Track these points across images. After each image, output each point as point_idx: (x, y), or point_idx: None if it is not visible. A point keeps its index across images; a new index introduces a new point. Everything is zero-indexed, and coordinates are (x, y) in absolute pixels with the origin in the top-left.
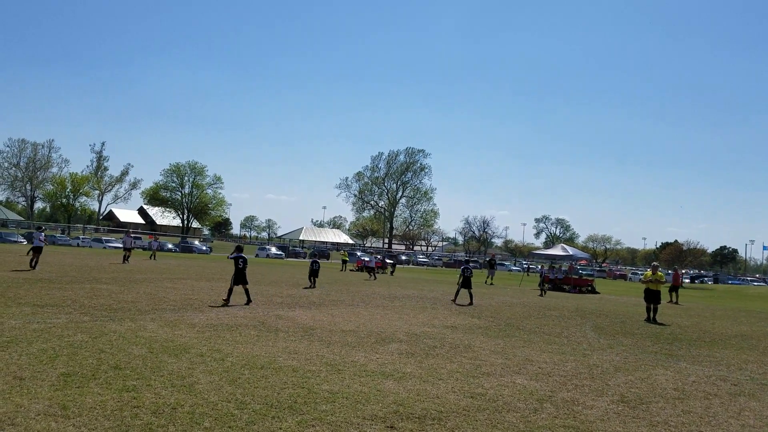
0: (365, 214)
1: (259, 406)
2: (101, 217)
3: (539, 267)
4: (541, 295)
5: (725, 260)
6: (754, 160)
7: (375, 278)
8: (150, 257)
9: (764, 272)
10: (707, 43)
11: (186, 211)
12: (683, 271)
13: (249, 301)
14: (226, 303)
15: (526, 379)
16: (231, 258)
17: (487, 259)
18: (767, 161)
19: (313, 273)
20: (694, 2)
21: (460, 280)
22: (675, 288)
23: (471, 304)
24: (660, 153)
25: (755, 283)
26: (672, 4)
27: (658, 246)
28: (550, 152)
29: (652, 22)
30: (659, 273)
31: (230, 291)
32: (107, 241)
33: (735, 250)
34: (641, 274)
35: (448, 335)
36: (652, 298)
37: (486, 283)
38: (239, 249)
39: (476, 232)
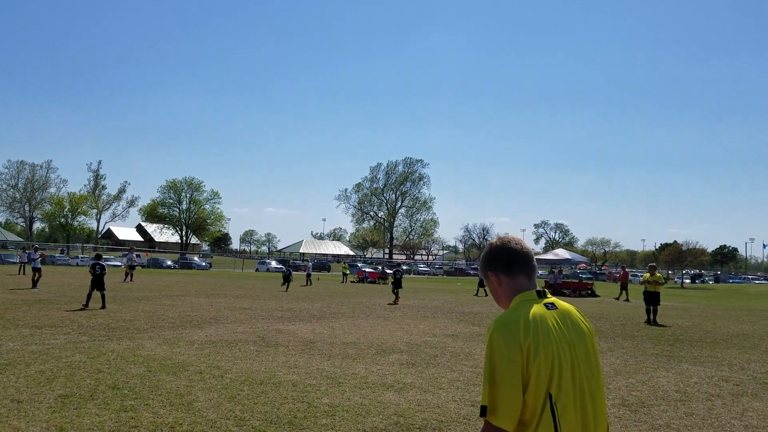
0: (365, 225)
1: (259, 422)
2: (100, 236)
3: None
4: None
5: (725, 259)
6: (752, 158)
7: (396, 298)
8: (126, 277)
9: (765, 270)
10: (704, 45)
11: (184, 227)
12: (684, 272)
13: (103, 306)
14: (85, 306)
15: None
16: (90, 265)
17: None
18: (765, 160)
19: (286, 279)
20: (687, 5)
21: (393, 282)
22: (624, 286)
23: (395, 303)
24: (657, 155)
25: (756, 282)
26: (663, 8)
27: (657, 247)
28: (549, 157)
29: (646, 27)
30: (657, 274)
31: (89, 296)
32: (106, 259)
33: (735, 249)
34: (640, 276)
35: (449, 344)
36: (650, 299)
37: (476, 295)
38: (97, 257)
39: (476, 240)
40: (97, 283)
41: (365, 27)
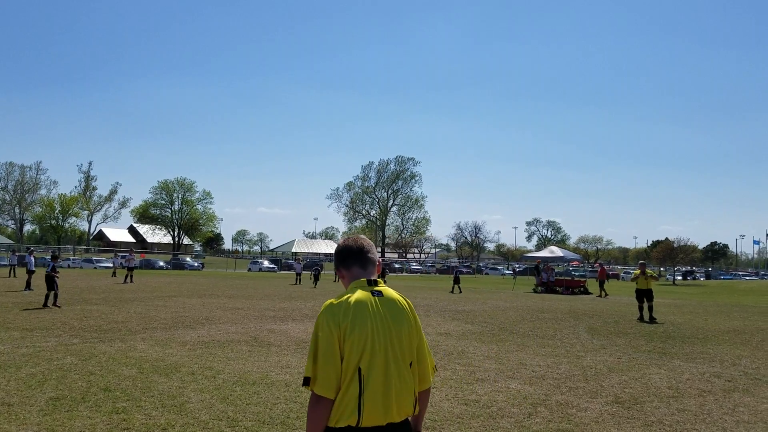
0: (357, 223)
1: (251, 423)
2: (91, 237)
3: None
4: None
5: (716, 256)
6: (742, 156)
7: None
8: (126, 279)
9: (755, 266)
10: (695, 42)
11: (176, 227)
12: (675, 268)
13: (54, 305)
14: (44, 306)
15: (520, 384)
16: (50, 266)
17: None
18: (755, 157)
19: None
20: (676, 3)
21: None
22: (602, 282)
23: None
24: (648, 152)
25: (747, 278)
26: (653, 6)
27: (649, 244)
28: (541, 155)
29: (640, 24)
30: (648, 271)
31: (47, 296)
32: (98, 261)
33: (726, 246)
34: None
35: (442, 342)
36: (642, 296)
37: (452, 292)
38: (54, 258)
39: (468, 238)
40: (51, 283)
41: (357, 25)
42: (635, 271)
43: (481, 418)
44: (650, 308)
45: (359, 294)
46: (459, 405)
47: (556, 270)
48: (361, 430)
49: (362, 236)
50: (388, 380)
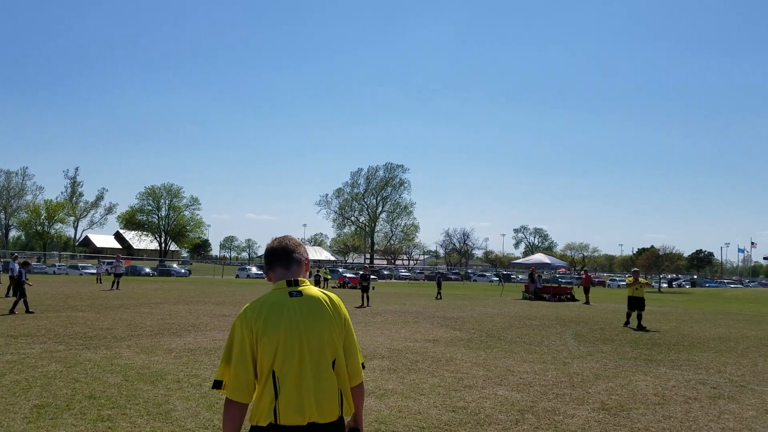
0: (346, 230)
1: None
2: (77, 244)
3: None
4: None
5: (702, 264)
6: (728, 164)
7: (363, 302)
8: (112, 285)
9: (740, 274)
10: (683, 49)
11: (163, 234)
12: (660, 276)
13: (27, 312)
14: (11, 312)
15: (508, 390)
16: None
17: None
18: (741, 166)
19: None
20: (665, 7)
21: (360, 287)
22: (586, 289)
23: (367, 305)
24: (635, 160)
25: (732, 286)
26: (641, 11)
27: (634, 252)
28: (529, 162)
29: (623, 31)
30: (641, 279)
31: (15, 303)
32: (83, 267)
33: (711, 254)
34: (620, 281)
35: (430, 349)
36: (633, 304)
37: (436, 298)
38: (24, 265)
39: (457, 245)
40: (19, 290)
41: (346, 31)
42: (628, 278)
43: (468, 425)
44: (639, 316)
45: (276, 295)
46: (447, 412)
47: (543, 277)
48: (281, 428)
49: (289, 236)
50: (304, 381)
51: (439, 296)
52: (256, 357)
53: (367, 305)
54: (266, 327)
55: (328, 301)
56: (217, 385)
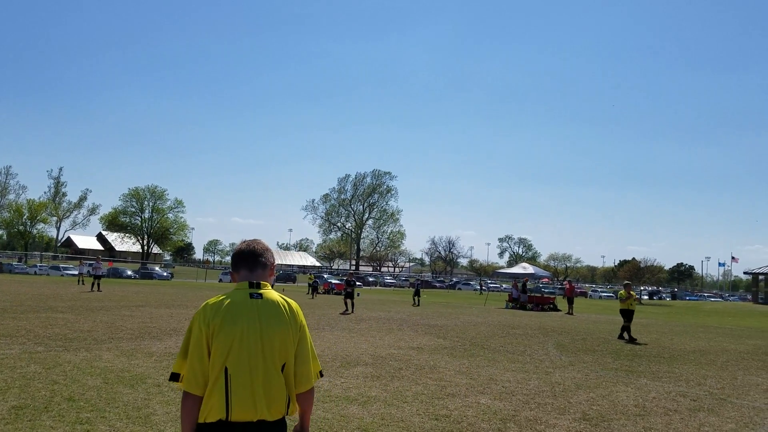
0: (332, 236)
1: None
2: (59, 244)
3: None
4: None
5: (682, 277)
6: (709, 180)
7: (346, 308)
8: (92, 287)
9: (720, 288)
10: (664, 61)
11: (146, 236)
12: (641, 288)
13: None
14: None
15: (490, 399)
16: None
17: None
18: (722, 181)
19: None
20: (650, 22)
21: (345, 293)
22: (570, 299)
23: (352, 312)
24: (619, 173)
25: (712, 299)
26: (628, 26)
27: (616, 264)
28: (514, 173)
29: (610, 43)
30: (632, 292)
31: None
32: (65, 268)
33: (692, 267)
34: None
35: (414, 357)
36: (629, 317)
37: (414, 305)
38: None
39: (442, 253)
40: None
41: (335, 31)
42: (621, 292)
43: None
44: (628, 329)
45: (236, 295)
46: (430, 420)
47: (528, 287)
48: (231, 424)
49: (258, 240)
50: (255, 379)
51: (415, 303)
52: (210, 352)
53: (352, 311)
54: (223, 324)
55: (287, 307)
56: (174, 377)
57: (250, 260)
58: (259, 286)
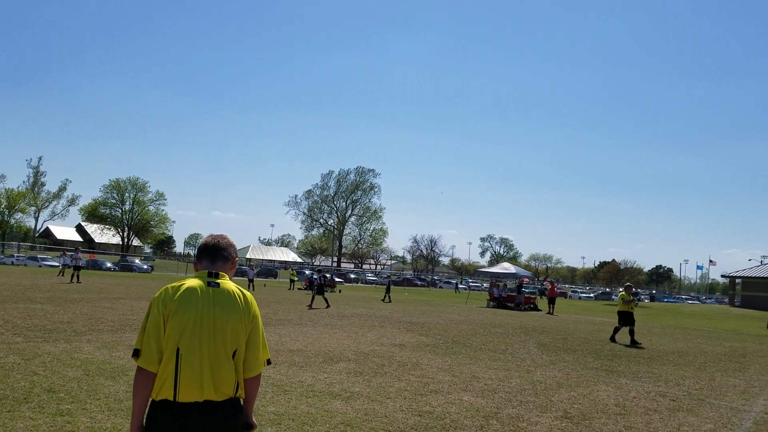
0: (314, 232)
1: None
2: (37, 235)
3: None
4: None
5: (661, 279)
6: (689, 184)
7: (312, 302)
8: (72, 278)
9: (698, 291)
10: (649, 70)
11: (126, 228)
12: (620, 289)
13: None
14: None
15: (473, 396)
16: None
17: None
18: (701, 186)
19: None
20: (630, 30)
21: (315, 289)
22: (551, 300)
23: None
24: (600, 176)
25: (689, 301)
26: (607, 33)
27: (596, 265)
28: (498, 173)
29: (592, 47)
30: (630, 296)
31: None
32: (43, 259)
33: (670, 270)
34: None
35: (397, 353)
36: (627, 319)
37: (383, 300)
38: None
39: (424, 251)
40: None
41: (321, 27)
42: (623, 293)
43: (434, 429)
44: (632, 332)
45: (194, 282)
46: (413, 416)
47: (508, 286)
48: (177, 404)
49: (224, 236)
50: (204, 362)
51: (386, 299)
52: (165, 333)
53: (312, 306)
54: (178, 309)
55: (241, 297)
56: (136, 353)
57: (212, 253)
58: (217, 275)
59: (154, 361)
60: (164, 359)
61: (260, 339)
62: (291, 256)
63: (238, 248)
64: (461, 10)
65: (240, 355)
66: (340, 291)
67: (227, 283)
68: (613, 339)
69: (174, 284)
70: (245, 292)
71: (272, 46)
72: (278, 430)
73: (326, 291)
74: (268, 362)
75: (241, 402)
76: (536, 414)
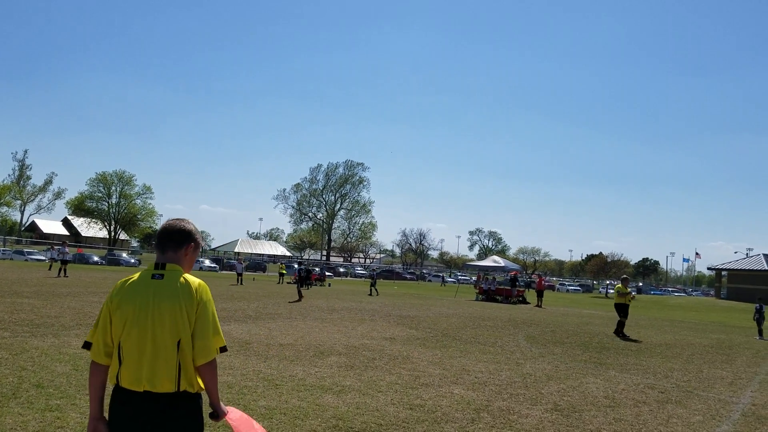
0: (303, 226)
1: None
2: (23, 228)
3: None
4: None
5: (647, 272)
6: (676, 177)
7: (300, 297)
8: (59, 272)
9: (684, 283)
10: (635, 64)
11: (113, 222)
12: (608, 282)
13: None
14: None
15: (463, 389)
16: None
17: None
18: (687, 179)
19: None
20: (615, 26)
21: (299, 281)
22: (540, 293)
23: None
24: (587, 169)
25: (676, 294)
26: (593, 28)
27: (584, 258)
28: (486, 167)
29: (585, 40)
30: (627, 288)
31: None
32: (29, 253)
33: (657, 262)
34: (569, 286)
35: (387, 347)
36: (623, 312)
37: (370, 295)
38: None
39: (413, 245)
40: None
41: (312, 21)
42: (619, 286)
43: (425, 422)
44: (622, 323)
45: (140, 274)
46: (404, 409)
47: (498, 280)
48: (125, 390)
49: (181, 220)
50: (143, 355)
51: (372, 293)
52: (112, 326)
53: (300, 299)
54: (121, 303)
55: (186, 287)
56: (87, 345)
57: (162, 241)
58: (164, 267)
59: (101, 354)
60: (114, 352)
61: (209, 326)
62: (280, 250)
63: (226, 242)
64: (451, 6)
65: (186, 345)
66: (329, 285)
67: (173, 273)
68: (617, 333)
69: (122, 280)
70: (193, 279)
71: (261, 40)
72: (270, 425)
73: (310, 285)
74: (223, 350)
75: (198, 394)
76: (526, 406)
